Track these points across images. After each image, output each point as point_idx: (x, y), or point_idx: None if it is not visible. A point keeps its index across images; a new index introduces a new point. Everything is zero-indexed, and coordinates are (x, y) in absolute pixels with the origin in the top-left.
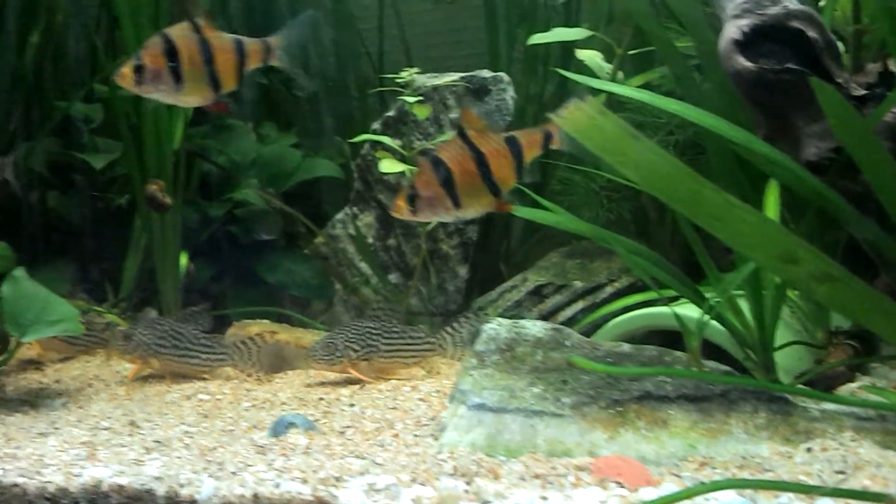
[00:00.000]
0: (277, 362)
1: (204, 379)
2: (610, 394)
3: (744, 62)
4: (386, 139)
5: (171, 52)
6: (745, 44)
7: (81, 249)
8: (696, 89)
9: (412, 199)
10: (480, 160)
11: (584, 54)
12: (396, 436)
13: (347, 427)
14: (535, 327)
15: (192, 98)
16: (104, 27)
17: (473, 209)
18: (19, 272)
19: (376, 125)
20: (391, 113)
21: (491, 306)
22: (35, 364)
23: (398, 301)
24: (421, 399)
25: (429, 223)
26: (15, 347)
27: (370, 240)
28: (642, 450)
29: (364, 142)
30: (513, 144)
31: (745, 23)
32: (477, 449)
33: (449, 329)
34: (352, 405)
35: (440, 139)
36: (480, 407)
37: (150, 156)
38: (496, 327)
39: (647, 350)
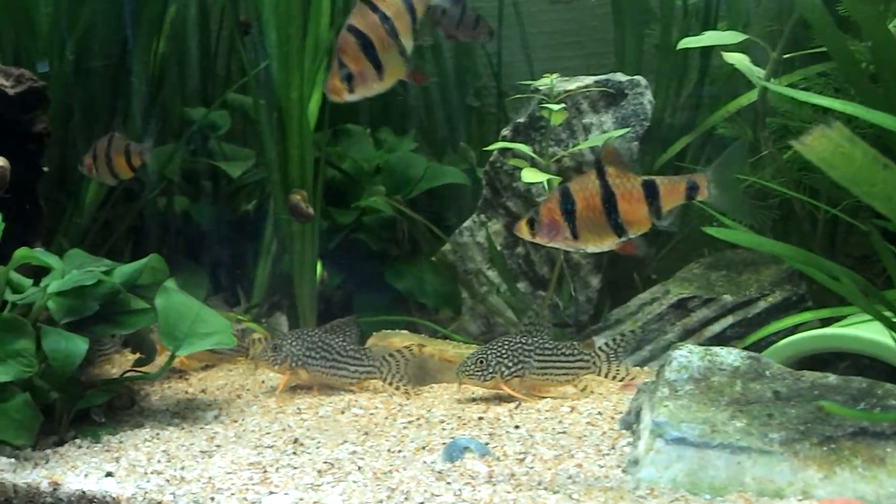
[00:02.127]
0: (421, 375)
1: (351, 391)
2: (822, 429)
3: None
4: (522, 147)
5: (367, 46)
6: None
7: (212, 255)
8: (870, 90)
9: (532, 223)
10: (609, 199)
11: (732, 57)
12: (580, 466)
13: (523, 453)
14: (730, 356)
15: (390, 77)
16: (227, 34)
17: (592, 245)
18: (171, 283)
19: (506, 131)
20: (521, 119)
21: (630, 319)
22: (178, 373)
23: (548, 315)
24: (589, 423)
25: None
26: (169, 360)
27: (497, 248)
28: (860, 490)
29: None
30: (649, 189)
31: None
32: (679, 486)
33: (603, 346)
34: (517, 427)
35: (581, 145)
36: (680, 441)
37: (293, 165)
38: (687, 354)
39: (855, 382)
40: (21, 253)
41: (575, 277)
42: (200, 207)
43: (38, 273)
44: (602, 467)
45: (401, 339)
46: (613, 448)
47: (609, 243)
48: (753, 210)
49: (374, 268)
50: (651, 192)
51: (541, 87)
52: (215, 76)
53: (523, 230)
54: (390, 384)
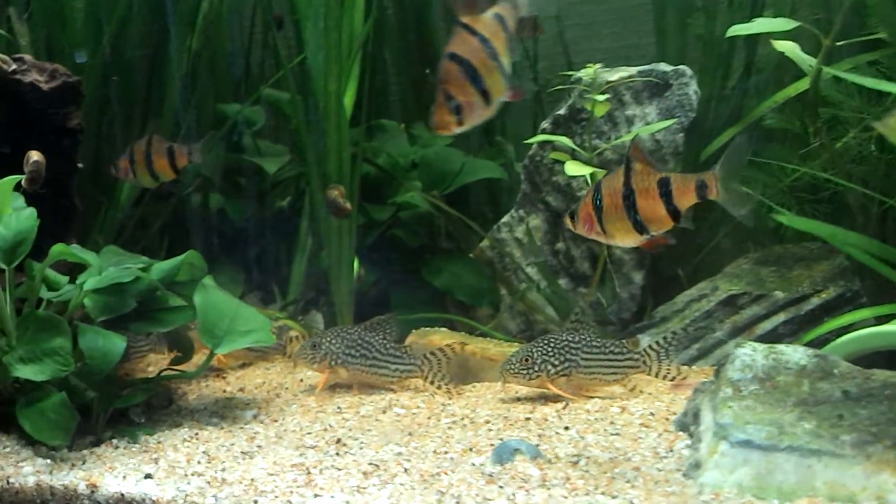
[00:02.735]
0: (462, 373)
1: (392, 390)
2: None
3: None
4: (565, 140)
5: (471, 73)
6: None
7: (247, 252)
8: None
9: (572, 216)
10: (629, 197)
11: (782, 45)
12: (638, 469)
13: (576, 455)
14: (795, 354)
15: (495, 100)
16: (259, 30)
17: (619, 240)
18: (209, 281)
19: (546, 124)
20: (561, 111)
21: (677, 317)
22: (216, 371)
23: (590, 312)
24: (643, 424)
25: None
26: (208, 358)
27: (537, 243)
28: None
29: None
30: (664, 187)
31: None
32: (745, 491)
33: (653, 345)
34: (566, 428)
35: (625, 137)
36: (746, 444)
37: (331, 160)
38: (751, 353)
39: None
40: (57, 249)
41: (618, 273)
42: (236, 204)
43: (72, 270)
44: (661, 471)
45: (441, 337)
46: (671, 451)
47: (632, 239)
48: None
49: (410, 264)
50: (665, 190)
51: (583, 78)
52: (248, 72)
53: (568, 222)
54: (432, 383)
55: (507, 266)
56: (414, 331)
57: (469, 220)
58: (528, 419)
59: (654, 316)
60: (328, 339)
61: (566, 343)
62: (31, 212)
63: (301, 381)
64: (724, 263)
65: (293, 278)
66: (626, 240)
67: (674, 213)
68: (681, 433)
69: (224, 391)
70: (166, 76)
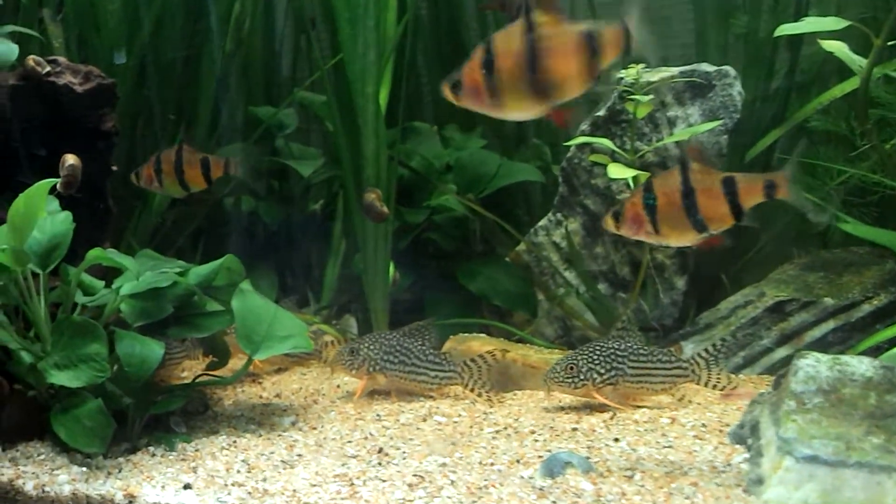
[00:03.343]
0: (503, 381)
1: (431, 397)
2: None
3: None
4: (605, 142)
5: (489, 64)
6: None
7: (280, 256)
8: None
9: (617, 216)
10: (689, 196)
11: (831, 45)
12: (696, 485)
13: (630, 469)
14: (861, 365)
15: (517, 112)
16: (290, 32)
17: (673, 240)
18: (246, 285)
19: (584, 126)
20: (601, 112)
21: (721, 323)
22: (251, 376)
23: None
24: (696, 437)
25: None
26: (246, 364)
27: (576, 247)
28: None
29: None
30: (729, 186)
31: None
32: None
33: (702, 353)
34: (616, 440)
35: (668, 139)
36: (812, 459)
37: (368, 163)
38: (814, 364)
39: None
40: (94, 253)
41: (659, 278)
42: (270, 207)
43: (106, 274)
44: (720, 486)
45: (480, 343)
46: (729, 464)
47: (688, 238)
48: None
49: (445, 268)
50: (730, 189)
51: (625, 78)
52: (279, 74)
53: (609, 223)
54: (472, 391)
55: (545, 270)
56: (452, 336)
57: (504, 223)
58: (574, 430)
59: (697, 322)
60: (366, 344)
61: (612, 351)
62: (67, 215)
63: (338, 387)
64: (768, 269)
65: (327, 282)
66: (681, 239)
67: (736, 212)
68: (737, 446)
69: (260, 397)
70: (201, 78)
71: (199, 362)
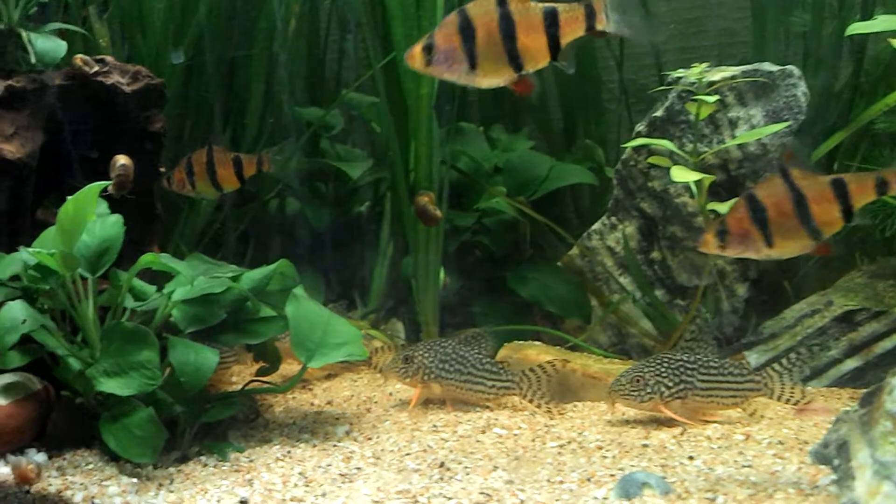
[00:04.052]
0: (561, 391)
1: (488, 408)
2: None
3: None
4: (666, 143)
5: (467, 30)
6: None
7: (326, 259)
8: None
9: (722, 235)
10: (800, 202)
11: None
12: None
13: (710, 491)
14: None
15: (490, 79)
16: (335, 33)
17: (787, 251)
18: (300, 291)
19: (641, 127)
20: (658, 113)
21: (786, 333)
22: (301, 382)
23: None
24: (775, 455)
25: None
26: (300, 372)
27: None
28: None
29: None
30: (839, 188)
31: None
32: None
33: (776, 365)
34: (691, 457)
35: (733, 141)
36: None
37: (420, 165)
38: None
39: None
40: (147, 258)
41: (720, 285)
42: (317, 210)
43: (154, 277)
44: None
45: (537, 352)
46: (815, 487)
47: (802, 247)
48: None
49: (494, 273)
50: (841, 191)
51: (687, 78)
52: (323, 74)
53: (710, 243)
54: (531, 401)
55: (598, 276)
56: (506, 344)
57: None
58: (645, 446)
59: (761, 332)
60: (421, 352)
61: (681, 363)
62: (117, 219)
63: (390, 394)
64: (831, 276)
65: (374, 286)
66: (795, 249)
67: (846, 214)
68: (822, 466)
69: (312, 404)
70: (250, 79)
71: (247, 367)
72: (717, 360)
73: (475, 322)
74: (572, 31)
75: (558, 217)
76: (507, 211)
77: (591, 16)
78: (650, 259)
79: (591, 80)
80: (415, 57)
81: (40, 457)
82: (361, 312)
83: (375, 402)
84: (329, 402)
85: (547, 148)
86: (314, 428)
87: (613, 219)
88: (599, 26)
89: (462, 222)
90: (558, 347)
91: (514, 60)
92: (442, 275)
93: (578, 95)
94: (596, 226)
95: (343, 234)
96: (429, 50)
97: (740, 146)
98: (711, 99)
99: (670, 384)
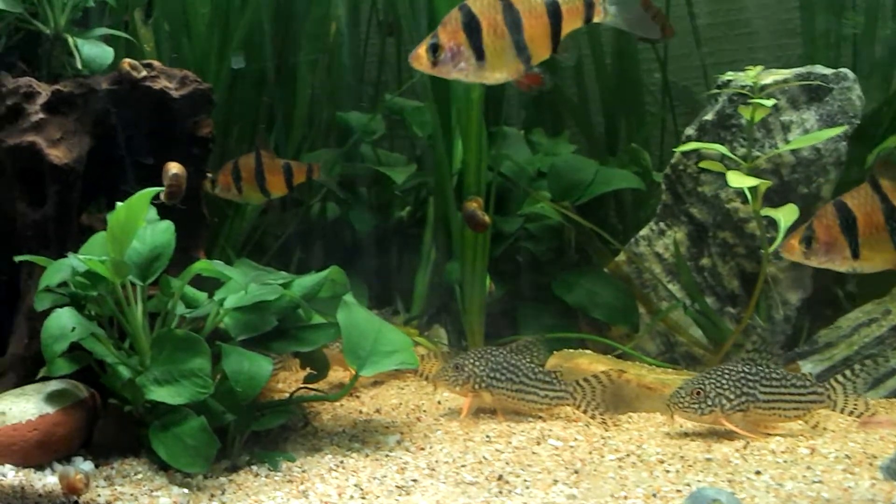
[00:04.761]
0: (615, 402)
1: (541, 418)
2: None
3: None
4: (719, 147)
5: (472, 25)
6: None
7: (370, 264)
8: None
9: (808, 241)
10: (892, 215)
11: None
12: None
13: None
14: None
15: (500, 74)
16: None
17: (872, 264)
18: (350, 298)
19: (690, 130)
20: (708, 116)
21: (843, 342)
22: None
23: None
24: (844, 470)
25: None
26: (352, 381)
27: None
28: None
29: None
30: None
31: None
32: None
33: (840, 377)
34: (758, 472)
35: (788, 146)
36: None
37: (469, 170)
38: None
39: None
40: (200, 265)
41: (771, 293)
42: (360, 215)
43: (202, 282)
44: None
45: (588, 361)
46: None
47: (888, 262)
48: None
49: (538, 279)
50: None
51: (741, 81)
52: (363, 79)
53: (795, 250)
54: (585, 412)
55: (646, 282)
56: (555, 352)
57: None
58: (708, 460)
59: (816, 341)
60: (471, 360)
61: (742, 375)
62: (168, 225)
63: (439, 403)
64: (886, 284)
65: (417, 292)
66: (880, 264)
67: None
68: (895, 482)
69: (360, 412)
70: (297, 84)
71: (293, 374)
72: (779, 371)
73: (518, 329)
74: (572, 22)
75: (602, 222)
76: (552, 216)
77: (589, 7)
78: (700, 266)
79: (632, 82)
80: (420, 58)
81: (87, 465)
82: (404, 318)
83: (424, 411)
84: (377, 411)
85: (588, 151)
86: (364, 437)
87: (662, 224)
88: (597, 18)
89: (507, 227)
90: (609, 356)
91: (523, 53)
92: (488, 281)
93: (620, 98)
94: (643, 231)
95: (385, 240)
96: (434, 49)
97: (793, 151)
98: (769, 103)
99: (731, 396)
